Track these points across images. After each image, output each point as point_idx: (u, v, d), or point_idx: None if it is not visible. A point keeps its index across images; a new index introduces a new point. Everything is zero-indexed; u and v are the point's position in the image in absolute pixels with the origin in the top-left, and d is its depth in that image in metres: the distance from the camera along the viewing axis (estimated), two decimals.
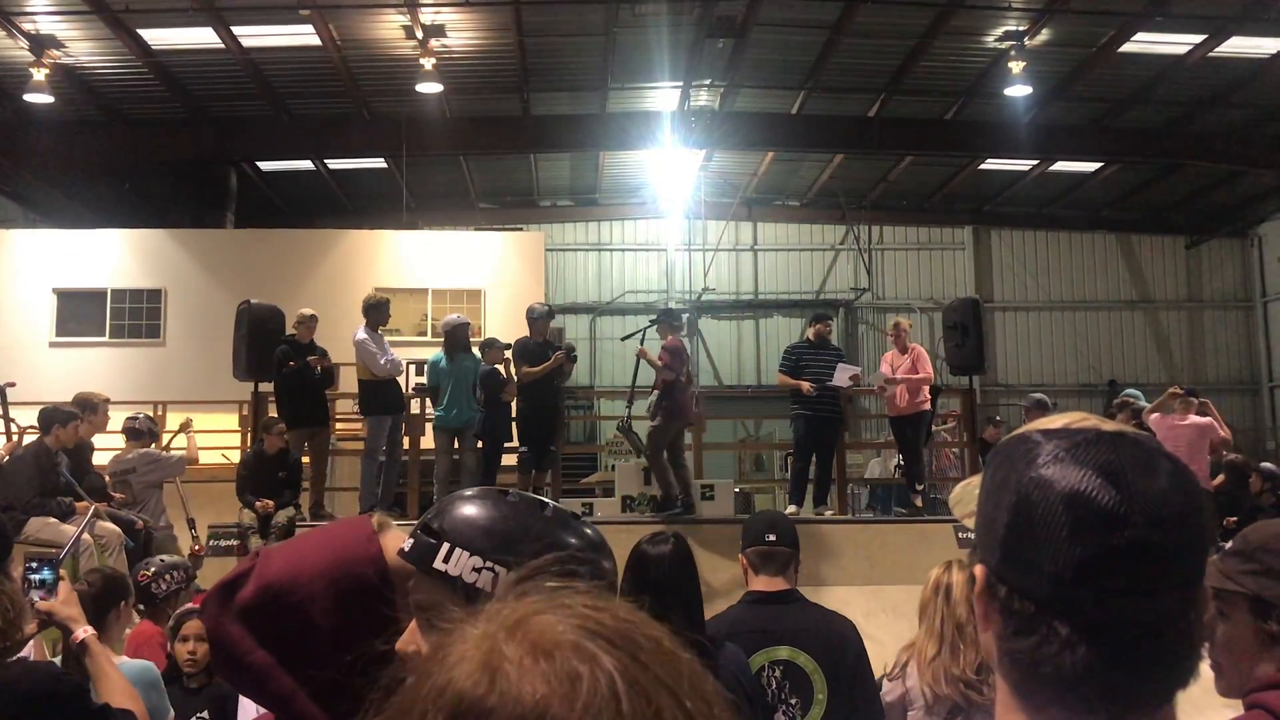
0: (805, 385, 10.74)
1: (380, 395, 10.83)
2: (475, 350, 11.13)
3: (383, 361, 10.68)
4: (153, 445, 10.31)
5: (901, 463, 11.90)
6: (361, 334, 10.78)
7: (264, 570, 1.48)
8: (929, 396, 11.16)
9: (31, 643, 3.87)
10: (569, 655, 0.72)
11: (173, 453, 10.77)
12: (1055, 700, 0.98)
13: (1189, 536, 0.97)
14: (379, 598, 1.42)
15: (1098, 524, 0.95)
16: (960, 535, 9.69)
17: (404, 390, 11.43)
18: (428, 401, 11.38)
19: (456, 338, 10.96)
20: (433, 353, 11.24)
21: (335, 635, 1.39)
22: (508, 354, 11.06)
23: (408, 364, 11.69)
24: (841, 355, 11.51)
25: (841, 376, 10.85)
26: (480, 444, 10.89)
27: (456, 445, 10.84)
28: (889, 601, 8.07)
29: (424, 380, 11.30)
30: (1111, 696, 0.96)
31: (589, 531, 1.54)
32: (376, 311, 10.93)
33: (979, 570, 1.04)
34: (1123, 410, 10.54)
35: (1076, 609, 0.96)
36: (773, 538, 3.77)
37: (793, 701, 3.66)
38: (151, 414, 11.87)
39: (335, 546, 1.50)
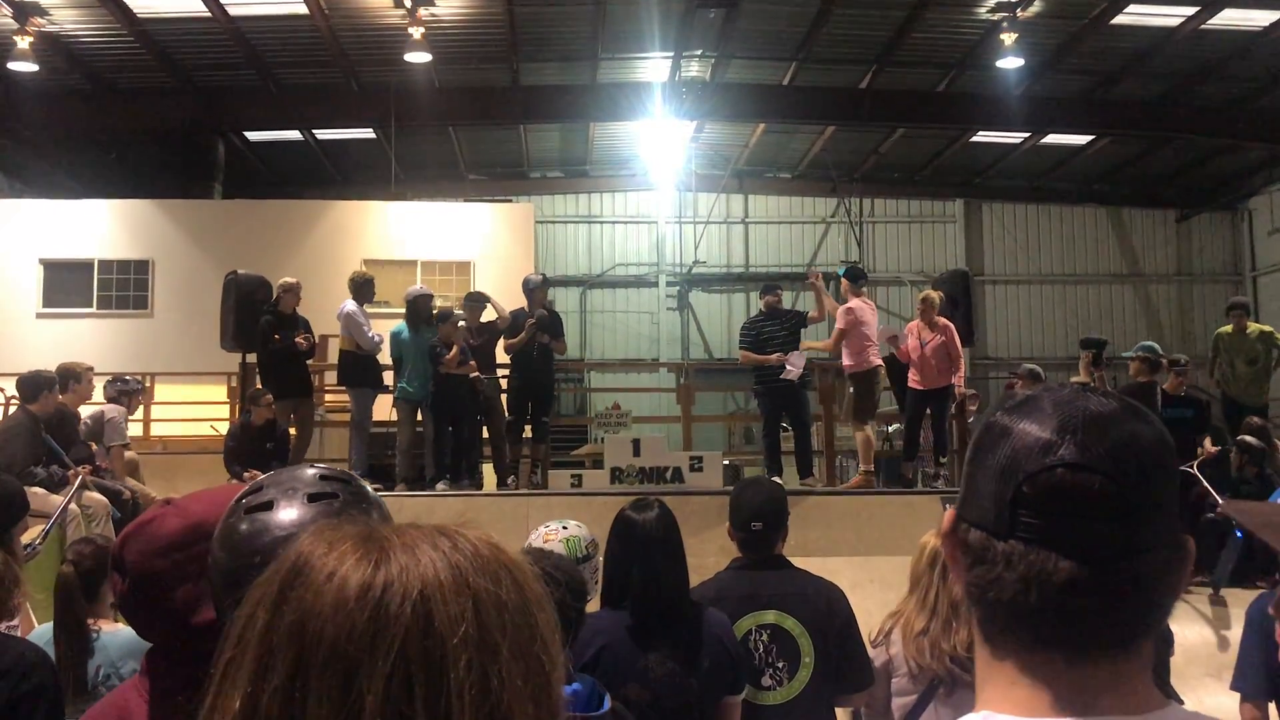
0: (776, 356, 10.69)
1: (364, 368, 10.88)
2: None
3: (370, 334, 10.75)
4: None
5: (899, 435, 11.91)
6: (351, 306, 10.84)
7: (185, 512, 1.56)
8: (962, 374, 10.96)
9: (19, 618, 3.85)
10: (396, 564, 0.83)
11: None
12: (1010, 634, 1.02)
13: (1131, 473, 0.99)
14: None
15: (1040, 448, 1.00)
16: (946, 507, 9.70)
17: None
18: None
19: (418, 309, 10.96)
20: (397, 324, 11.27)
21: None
22: (462, 324, 11.06)
23: None
24: (802, 315, 11.39)
25: (795, 369, 10.74)
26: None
27: (420, 417, 10.88)
28: (876, 572, 8.09)
29: None
30: (1059, 627, 0.99)
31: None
32: (364, 290, 11.04)
33: (947, 513, 1.09)
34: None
35: (1018, 530, 1.00)
36: (759, 526, 3.80)
37: (780, 665, 3.68)
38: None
39: None
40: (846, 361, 10.80)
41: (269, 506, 1.47)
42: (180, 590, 1.50)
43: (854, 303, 10.83)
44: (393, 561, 0.83)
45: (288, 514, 1.46)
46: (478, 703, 0.80)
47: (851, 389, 10.89)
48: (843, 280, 11.18)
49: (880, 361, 10.85)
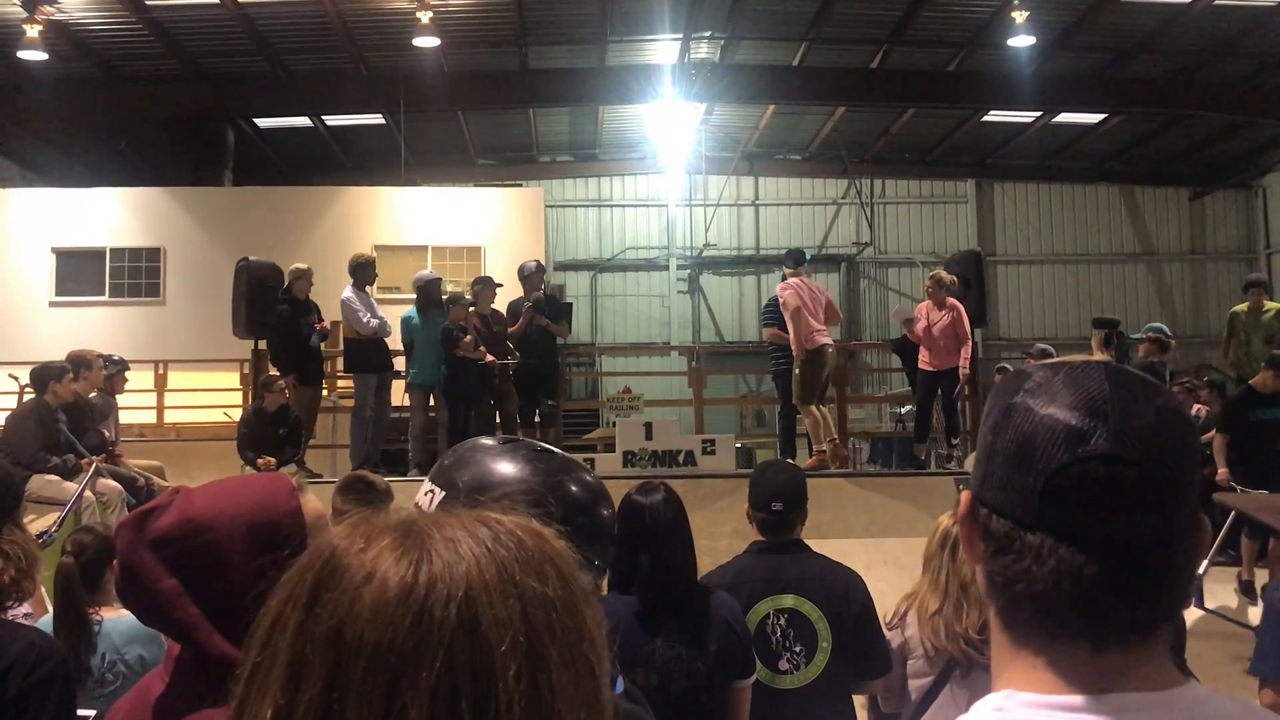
0: None
1: (365, 354, 10.91)
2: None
3: (365, 319, 10.79)
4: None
5: (912, 417, 11.87)
6: (348, 293, 10.94)
7: (185, 505, 1.55)
8: (968, 355, 10.71)
9: (29, 602, 3.86)
10: (438, 561, 0.78)
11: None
12: (1035, 625, 0.99)
13: (1165, 459, 0.97)
14: (291, 548, 1.48)
15: (1069, 437, 0.97)
16: (960, 489, 9.68)
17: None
18: None
19: (429, 294, 10.99)
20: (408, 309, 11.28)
21: (244, 577, 1.45)
22: (473, 308, 11.06)
23: None
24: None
25: None
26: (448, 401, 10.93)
27: (432, 402, 10.89)
28: (890, 554, 8.08)
29: None
30: (1089, 620, 0.97)
31: (588, 478, 1.56)
32: (363, 271, 11.08)
33: (964, 496, 1.06)
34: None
35: (1048, 522, 0.97)
36: (779, 507, 3.79)
37: (797, 649, 3.68)
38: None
39: (258, 494, 1.59)
40: (795, 343, 10.46)
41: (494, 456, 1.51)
42: (163, 584, 1.49)
43: (791, 280, 10.63)
44: (435, 559, 0.78)
45: (511, 466, 1.48)
46: (528, 715, 0.75)
47: (798, 370, 10.47)
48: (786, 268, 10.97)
49: (827, 341, 10.51)
